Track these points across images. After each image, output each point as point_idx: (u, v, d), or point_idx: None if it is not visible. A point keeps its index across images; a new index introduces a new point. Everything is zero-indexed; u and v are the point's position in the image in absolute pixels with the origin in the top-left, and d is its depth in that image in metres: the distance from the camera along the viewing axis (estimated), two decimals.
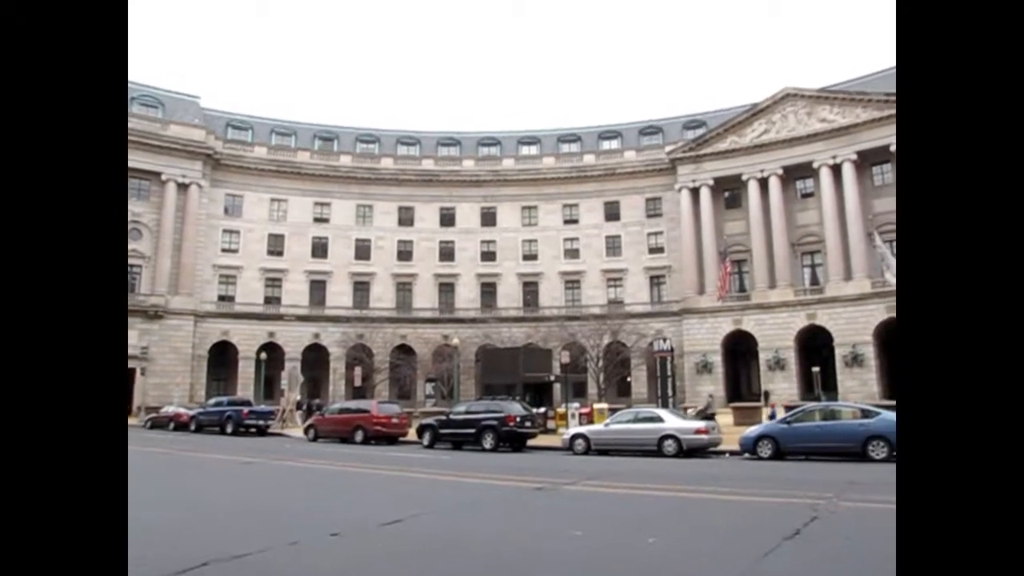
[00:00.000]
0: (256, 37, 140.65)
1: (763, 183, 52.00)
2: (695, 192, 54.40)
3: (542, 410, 30.86)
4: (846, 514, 9.93)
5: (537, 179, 59.48)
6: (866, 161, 49.26)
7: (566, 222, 58.86)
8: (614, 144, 61.86)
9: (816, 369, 43.51)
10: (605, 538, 8.37)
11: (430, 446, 24.90)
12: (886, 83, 50.47)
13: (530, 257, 58.70)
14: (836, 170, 49.59)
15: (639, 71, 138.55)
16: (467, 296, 58.07)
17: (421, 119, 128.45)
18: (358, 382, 45.16)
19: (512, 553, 7.64)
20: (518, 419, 24.00)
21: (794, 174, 51.82)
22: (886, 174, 49.32)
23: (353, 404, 31.43)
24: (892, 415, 18.63)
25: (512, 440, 23.94)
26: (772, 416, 26.47)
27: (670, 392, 31.71)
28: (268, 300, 55.28)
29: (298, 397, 41.27)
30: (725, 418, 30.22)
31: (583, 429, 23.94)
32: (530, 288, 58.31)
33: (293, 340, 53.93)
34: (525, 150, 63.13)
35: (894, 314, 45.89)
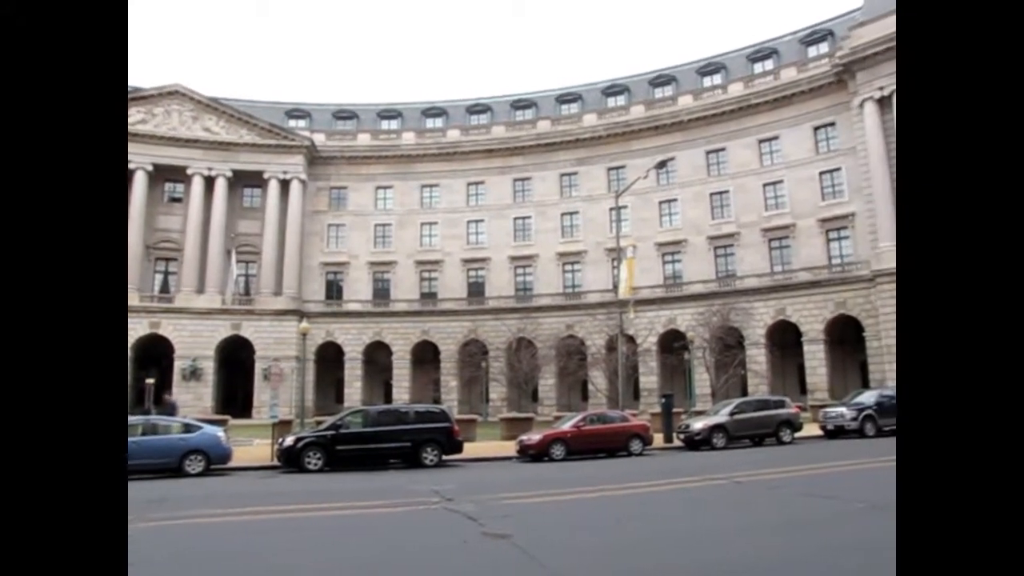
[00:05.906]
0: None
1: (130, 176, 47.72)
2: None
3: None
4: (146, 536, 8.60)
5: None
6: (240, 181, 50.22)
7: None
8: None
9: (151, 381, 41.05)
10: None
11: None
12: (270, 114, 53.02)
13: None
14: (210, 182, 49.04)
15: None
16: None
17: None
18: None
19: None
20: None
21: (166, 175, 49.25)
22: (255, 197, 51.16)
23: None
24: (214, 429, 19.15)
25: None
26: None
27: None
28: None
29: None
30: None
31: None
32: None
33: None
34: None
35: (237, 332, 47.29)
